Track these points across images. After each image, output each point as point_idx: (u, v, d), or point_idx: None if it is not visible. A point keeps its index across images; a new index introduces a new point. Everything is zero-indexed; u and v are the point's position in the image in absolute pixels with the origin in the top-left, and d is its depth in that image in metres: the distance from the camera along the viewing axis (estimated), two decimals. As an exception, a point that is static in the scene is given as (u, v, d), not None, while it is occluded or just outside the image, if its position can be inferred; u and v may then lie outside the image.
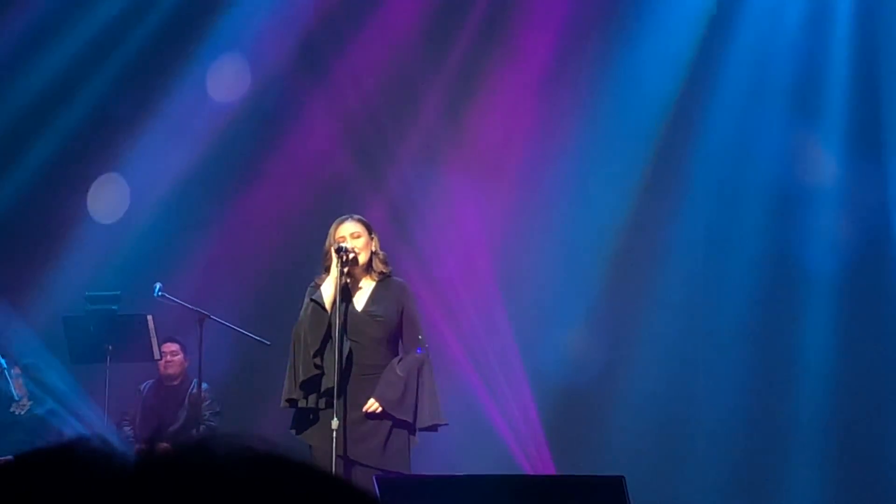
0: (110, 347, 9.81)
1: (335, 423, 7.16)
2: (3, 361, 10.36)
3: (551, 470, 10.35)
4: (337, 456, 7.12)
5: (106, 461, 0.79)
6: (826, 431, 10.15)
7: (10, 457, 0.89)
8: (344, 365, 7.29)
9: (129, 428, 10.69)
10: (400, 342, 7.53)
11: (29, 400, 10.90)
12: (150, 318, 9.87)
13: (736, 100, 10.69)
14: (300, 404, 7.38)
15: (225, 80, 11.62)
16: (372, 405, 7.30)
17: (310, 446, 7.31)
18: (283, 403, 7.49)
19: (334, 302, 7.29)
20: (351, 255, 7.35)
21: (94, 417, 10.48)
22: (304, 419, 7.42)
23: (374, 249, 7.50)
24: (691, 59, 10.86)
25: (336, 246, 7.34)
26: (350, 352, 7.35)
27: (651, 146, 10.84)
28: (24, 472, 0.79)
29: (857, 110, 10.45)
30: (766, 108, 10.62)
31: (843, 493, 9.96)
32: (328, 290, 7.36)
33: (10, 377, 10.49)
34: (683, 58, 10.87)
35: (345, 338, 7.33)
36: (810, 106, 10.55)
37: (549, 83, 11.06)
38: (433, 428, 7.56)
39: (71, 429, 10.40)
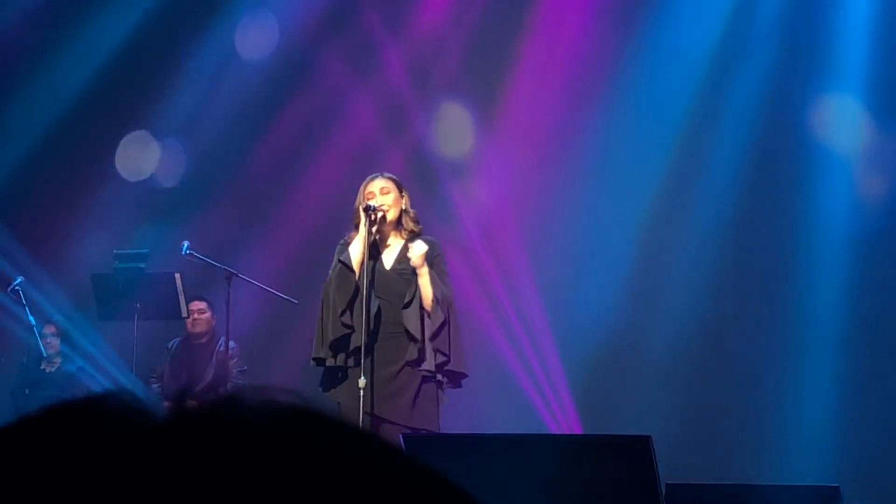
0: (138, 305, 9.83)
1: (363, 381, 7.15)
2: (32, 319, 10.41)
3: (578, 429, 10.36)
4: (365, 413, 7.13)
5: (137, 413, 0.78)
6: (855, 396, 10.11)
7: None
8: (372, 323, 7.27)
9: (156, 385, 10.75)
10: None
11: (59, 357, 10.97)
12: (177, 275, 9.88)
13: (764, 62, 10.60)
14: (328, 363, 7.38)
15: (253, 37, 11.62)
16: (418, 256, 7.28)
17: (338, 403, 7.32)
18: (311, 362, 7.50)
19: (362, 261, 7.27)
20: (379, 214, 7.31)
21: (123, 374, 10.53)
22: (333, 377, 7.42)
23: (404, 207, 7.45)
24: (719, 25, 10.79)
25: (364, 205, 7.31)
26: (378, 310, 7.32)
27: (680, 111, 10.77)
28: (53, 422, 0.78)
29: (887, 71, 10.36)
30: (794, 71, 10.54)
31: (879, 458, 9.89)
32: (356, 249, 7.33)
33: (39, 335, 10.55)
34: (711, 24, 10.80)
35: (373, 296, 7.32)
36: (839, 67, 10.46)
37: (581, 48, 11.01)
38: (453, 377, 7.48)
39: (100, 386, 10.46)
